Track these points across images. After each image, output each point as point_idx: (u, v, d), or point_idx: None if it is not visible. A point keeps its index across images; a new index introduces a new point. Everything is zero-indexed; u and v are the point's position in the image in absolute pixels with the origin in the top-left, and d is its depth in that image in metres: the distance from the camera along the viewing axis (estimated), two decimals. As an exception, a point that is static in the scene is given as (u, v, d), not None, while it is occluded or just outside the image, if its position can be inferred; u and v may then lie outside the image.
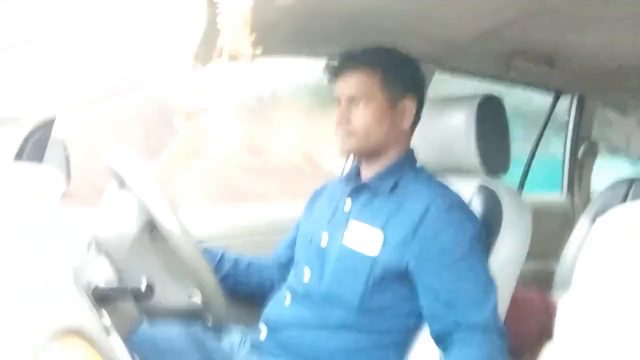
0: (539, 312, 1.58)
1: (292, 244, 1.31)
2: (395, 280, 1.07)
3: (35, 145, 1.09)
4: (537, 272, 1.89)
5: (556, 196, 2.35)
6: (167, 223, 0.97)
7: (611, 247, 0.73)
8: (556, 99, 2.18)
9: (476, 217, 1.13)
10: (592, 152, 2.30)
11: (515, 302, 1.56)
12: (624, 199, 1.80)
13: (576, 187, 2.32)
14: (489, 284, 1.04)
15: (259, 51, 0.72)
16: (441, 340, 1.02)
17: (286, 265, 1.31)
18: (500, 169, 1.27)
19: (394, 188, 1.15)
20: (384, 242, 1.08)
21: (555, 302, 1.65)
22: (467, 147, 1.23)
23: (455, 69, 1.74)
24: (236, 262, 1.33)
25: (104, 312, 0.76)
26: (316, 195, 1.35)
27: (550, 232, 2.16)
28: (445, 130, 1.29)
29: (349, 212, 1.18)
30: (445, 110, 1.30)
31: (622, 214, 0.74)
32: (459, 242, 1.05)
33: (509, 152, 1.27)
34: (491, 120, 1.25)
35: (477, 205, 1.20)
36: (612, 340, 0.66)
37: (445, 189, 1.15)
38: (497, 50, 1.67)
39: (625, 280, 0.69)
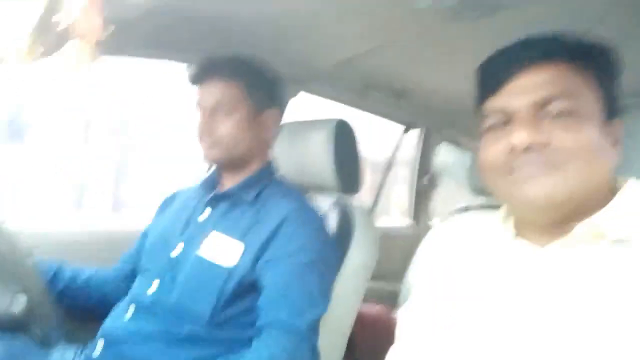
0: (384, 327, 1.66)
1: (137, 254, 1.23)
2: (248, 291, 1.05)
3: None
4: (386, 292, 1.99)
5: (406, 222, 2.53)
6: None
7: (428, 259, 0.82)
8: (405, 131, 2.36)
9: (327, 235, 1.16)
10: (432, 184, 2.52)
11: (363, 318, 1.63)
12: (459, 226, 1.99)
13: (421, 215, 2.52)
14: (318, 299, 1.04)
15: (101, 52, 0.67)
16: (257, 334, 1.01)
17: (131, 277, 1.22)
18: (353, 186, 1.33)
19: (256, 198, 1.14)
20: (243, 253, 1.07)
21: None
22: (325, 166, 1.28)
23: (317, 93, 1.80)
24: (74, 276, 1.21)
25: None
26: (166, 204, 1.29)
27: (399, 256, 2.31)
28: (305, 149, 1.33)
29: (208, 222, 1.15)
30: (305, 131, 1.35)
31: (436, 232, 0.84)
32: (304, 252, 1.06)
33: (361, 173, 1.34)
34: (346, 142, 1.31)
35: (331, 220, 1.25)
36: (435, 335, 0.72)
37: (303, 202, 1.17)
38: (353, 79, 1.78)
39: (439, 282, 0.77)
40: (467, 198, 2.07)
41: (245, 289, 1.05)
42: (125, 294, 1.17)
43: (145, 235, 1.25)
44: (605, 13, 1.09)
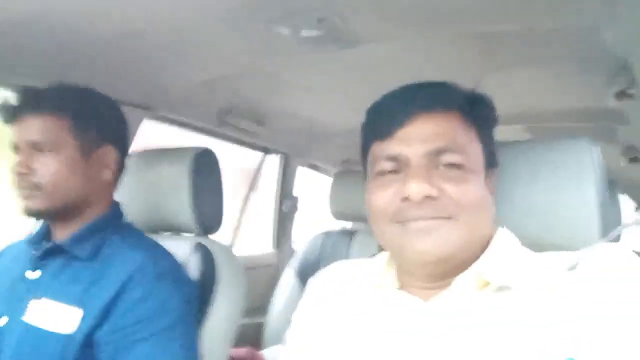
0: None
1: None
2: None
3: None
4: (250, 327, 1.89)
5: (267, 250, 2.45)
6: None
7: (319, 300, 0.77)
8: (264, 157, 2.30)
9: (189, 285, 1.02)
10: (294, 207, 2.49)
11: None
12: (322, 249, 1.98)
13: (281, 240, 2.47)
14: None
15: None
16: None
17: None
18: (214, 225, 1.21)
19: (96, 252, 0.96)
20: (82, 319, 0.89)
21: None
22: (181, 202, 1.14)
23: (167, 119, 1.64)
24: None
25: None
26: None
27: (262, 286, 2.22)
28: (157, 184, 1.17)
29: (36, 285, 0.94)
30: (156, 163, 1.19)
31: (325, 274, 0.79)
32: (163, 313, 0.91)
33: (222, 209, 1.23)
34: (207, 175, 1.19)
35: (194, 265, 1.11)
36: None
37: (157, 252, 1.01)
38: (209, 105, 1.66)
39: (319, 330, 0.73)
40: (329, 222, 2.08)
41: (92, 357, 0.88)
42: None
43: None
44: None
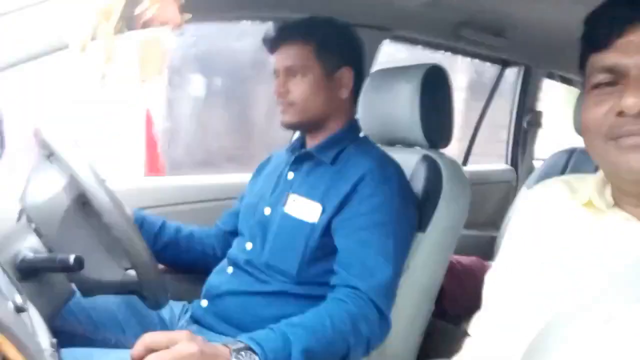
0: (477, 279, 1.63)
1: (236, 215, 1.30)
2: (329, 252, 1.08)
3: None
4: (481, 241, 1.94)
5: (501, 166, 2.41)
6: (98, 199, 0.92)
7: (529, 218, 0.77)
8: (502, 70, 2.20)
9: (408, 195, 1.14)
10: (536, 123, 2.35)
11: (455, 269, 1.61)
12: (564, 169, 1.86)
13: (520, 158, 2.38)
14: (390, 262, 1.04)
15: (188, 16, 0.68)
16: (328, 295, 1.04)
17: (229, 236, 1.29)
18: (443, 139, 1.27)
19: (336, 158, 1.15)
20: (322, 213, 1.09)
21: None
22: (411, 119, 1.23)
23: (404, 38, 1.72)
24: (177, 231, 1.30)
25: (18, 286, 0.72)
26: (261, 167, 1.34)
27: (495, 202, 2.23)
28: (389, 101, 1.28)
29: (291, 184, 1.18)
30: (389, 82, 1.29)
31: (542, 188, 0.78)
32: (380, 211, 1.06)
33: (452, 125, 1.28)
34: (436, 92, 1.25)
35: (419, 175, 1.21)
36: (527, 305, 0.69)
37: (386, 160, 1.15)
38: (445, 19, 1.67)
39: (537, 248, 0.73)
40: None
41: (326, 249, 1.08)
42: (224, 251, 1.25)
43: (242, 198, 1.32)
44: None
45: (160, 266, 1.26)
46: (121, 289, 1.02)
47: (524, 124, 2.34)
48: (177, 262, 1.31)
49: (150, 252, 0.96)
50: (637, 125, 0.58)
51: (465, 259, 1.68)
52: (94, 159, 0.98)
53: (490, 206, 2.18)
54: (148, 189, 1.51)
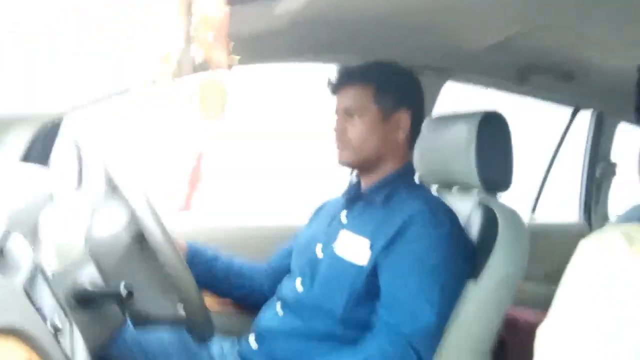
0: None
1: (289, 254, 1.31)
2: (376, 293, 1.07)
3: (41, 146, 1.10)
4: (544, 295, 1.82)
5: (573, 219, 2.27)
6: (155, 238, 0.98)
7: (588, 271, 0.70)
8: (573, 116, 2.11)
9: (459, 241, 1.10)
10: (610, 172, 2.22)
11: (515, 323, 1.52)
12: (640, 221, 1.72)
13: (593, 210, 2.23)
14: (437, 307, 1.02)
15: (236, 59, 0.70)
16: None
17: (280, 274, 1.30)
18: (501, 186, 1.23)
19: (387, 199, 1.15)
20: (371, 249, 1.09)
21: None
22: (466, 162, 1.20)
23: (466, 80, 1.70)
24: (230, 264, 1.33)
25: (66, 310, 0.75)
26: (318, 211, 1.36)
27: (563, 257, 2.09)
28: (446, 145, 1.26)
29: (344, 223, 1.19)
30: (447, 126, 1.28)
31: (603, 236, 0.71)
32: (428, 255, 1.04)
33: (511, 170, 1.23)
34: (493, 137, 1.21)
35: (474, 221, 1.17)
36: None
37: (437, 204, 1.14)
38: (509, 62, 1.63)
39: (598, 304, 0.66)
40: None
41: (373, 289, 1.07)
42: (273, 290, 1.26)
43: (296, 237, 1.34)
44: None
45: (212, 300, 1.29)
46: (170, 321, 1.06)
47: (597, 174, 2.21)
48: (227, 297, 1.34)
49: (198, 289, 1.00)
50: None
51: (528, 314, 1.58)
52: (149, 193, 1.03)
53: (555, 259, 2.05)
54: (202, 227, 1.56)
